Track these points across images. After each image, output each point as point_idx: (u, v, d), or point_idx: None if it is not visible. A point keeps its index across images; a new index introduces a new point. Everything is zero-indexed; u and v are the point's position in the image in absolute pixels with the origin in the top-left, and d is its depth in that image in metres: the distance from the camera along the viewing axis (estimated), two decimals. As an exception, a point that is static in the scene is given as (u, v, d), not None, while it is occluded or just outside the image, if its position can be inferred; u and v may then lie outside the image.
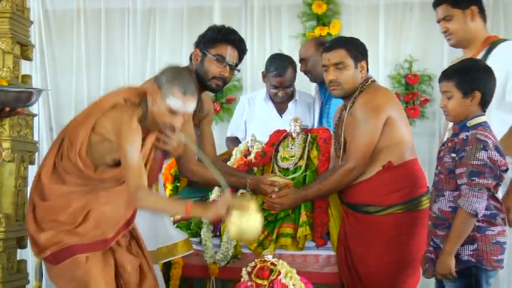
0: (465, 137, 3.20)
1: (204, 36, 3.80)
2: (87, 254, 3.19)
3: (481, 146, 3.14)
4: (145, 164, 3.25)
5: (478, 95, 3.25)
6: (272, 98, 4.99)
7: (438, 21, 3.89)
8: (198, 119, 3.93)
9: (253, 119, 5.05)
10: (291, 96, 4.99)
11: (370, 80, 3.73)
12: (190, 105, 3.22)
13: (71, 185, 3.26)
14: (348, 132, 3.68)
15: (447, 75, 3.30)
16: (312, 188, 3.73)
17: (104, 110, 3.25)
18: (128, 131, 3.15)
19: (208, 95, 4.03)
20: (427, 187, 3.74)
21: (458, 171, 3.19)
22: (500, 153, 3.18)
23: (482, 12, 3.87)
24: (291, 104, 4.99)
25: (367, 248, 3.63)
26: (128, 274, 3.31)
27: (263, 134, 4.41)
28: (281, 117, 4.98)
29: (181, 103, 3.17)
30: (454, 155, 3.22)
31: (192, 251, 3.80)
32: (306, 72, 4.82)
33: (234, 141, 5.05)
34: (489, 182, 3.13)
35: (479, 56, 3.75)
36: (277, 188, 3.73)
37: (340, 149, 3.76)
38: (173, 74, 3.21)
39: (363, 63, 3.70)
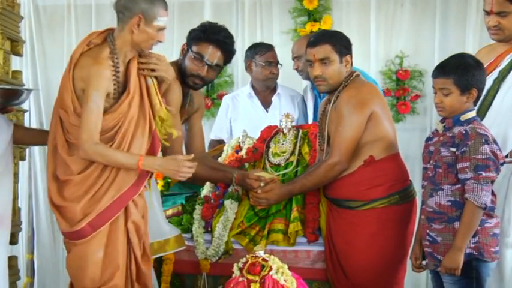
0: (464, 131, 3.23)
1: (192, 32, 3.81)
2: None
3: (483, 140, 3.18)
4: (142, 93, 3.35)
5: (475, 92, 3.29)
6: (258, 87, 5.01)
7: (488, 12, 3.81)
8: (188, 113, 3.93)
9: (238, 116, 5.06)
10: (273, 90, 5.02)
11: (354, 74, 3.74)
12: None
13: None
14: (331, 127, 3.69)
15: (445, 72, 3.31)
16: (297, 183, 3.74)
17: (74, 63, 3.31)
18: (95, 76, 3.24)
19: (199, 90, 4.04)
20: (410, 181, 3.77)
21: (460, 165, 3.22)
22: (499, 147, 3.22)
23: None
24: (274, 98, 5.02)
25: (350, 244, 3.65)
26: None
27: (250, 130, 4.43)
28: (267, 111, 4.99)
29: (166, 19, 3.35)
30: (454, 149, 3.24)
31: (184, 247, 3.80)
32: (298, 71, 4.81)
33: (217, 144, 5.06)
34: (493, 174, 3.20)
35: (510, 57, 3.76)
36: (263, 182, 3.73)
37: (324, 142, 3.76)
38: None
39: (348, 57, 3.70)
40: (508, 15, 3.75)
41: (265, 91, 5.03)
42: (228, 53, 3.82)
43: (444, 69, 3.33)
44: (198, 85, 3.81)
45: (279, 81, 5.16)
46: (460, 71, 3.28)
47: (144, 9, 3.28)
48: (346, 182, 3.67)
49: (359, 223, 3.65)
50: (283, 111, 4.49)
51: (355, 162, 3.66)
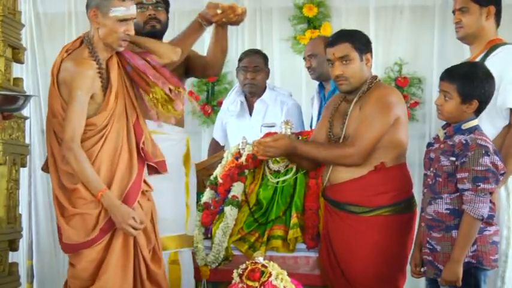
0: (464, 141, 3.21)
1: None
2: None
3: (483, 152, 3.16)
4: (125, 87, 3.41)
5: (475, 103, 3.26)
6: (243, 89, 5.05)
7: (454, 12, 3.83)
8: None
9: (229, 120, 5.14)
10: (259, 94, 5.03)
11: (377, 79, 3.72)
12: (133, 8, 3.35)
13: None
14: (351, 125, 3.63)
15: (451, 76, 3.29)
16: (305, 146, 3.69)
17: (57, 70, 3.36)
18: (78, 76, 3.28)
19: None
20: (412, 191, 3.75)
21: (459, 175, 3.20)
22: (499, 157, 3.21)
23: (498, 14, 3.82)
24: (257, 103, 5.01)
25: (353, 249, 3.61)
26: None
27: (236, 134, 4.60)
28: (250, 116, 5.02)
29: (124, 9, 3.32)
30: (453, 158, 3.22)
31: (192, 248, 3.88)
32: (310, 69, 4.79)
33: (215, 145, 5.18)
34: (492, 186, 3.17)
35: (480, 57, 3.73)
36: (220, 10, 3.64)
37: (333, 139, 3.72)
38: None
39: (368, 55, 3.66)
40: (467, 11, 3.75)
41: (253, 97, 5.05)
42: None
43: (451, 74, 3.32)
44: (156, 27, 3.82)
45: (277, 83, 5.20)
46: (465, 80, 3.25)
47: (97, 1, 3.32)
48: (354, 185, 3.63)
49: (362, 229, 3.61)
50: (267, 116, 4.53)
51: (365, 167, 3.61)
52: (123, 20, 3.33)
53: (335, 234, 3.69)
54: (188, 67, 3.93)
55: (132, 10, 3.35)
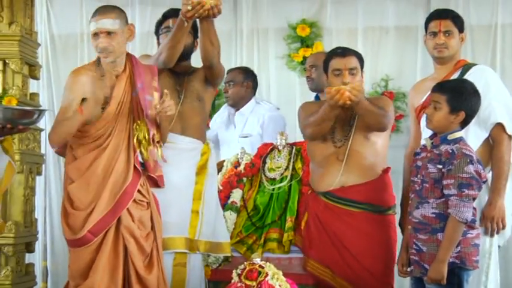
0: (450, 150, 3.27)
1: (156, 25, 4.01)
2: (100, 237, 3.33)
3: (468, 160, 3.22)
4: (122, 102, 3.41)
5: (462, 114, 3.33)
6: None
7: (435, 33, 3.83)
8: (191, 84, 3.97)
9: (221, 130, 5.05)
10: (237, 106, 4.96)
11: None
12: (101, 22, 3.36)
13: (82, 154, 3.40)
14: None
15: (442, 88, 3.37)
16: (365, 100, 3.61)
17: None
18: (69, 81, 3.41)
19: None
20: None
21: (445, 182, 3.26)
22: (482, 166, 3.27)
23: None
24: (236, 116, 4.95)
25: (374, 245, 3.65)
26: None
27: (223, 143, 4.66)
28: (234, 127, 4.97)
29: (94, 23, 3.37)
30: (440, 166, 3.28)
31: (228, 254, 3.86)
32: (308, 79, 4.68)
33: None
34: (476, 192, 3.24)
35: (456, 76, 3.78)
36: (190, 6, 3.53)
37: (340, 139, 3.75)
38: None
39: (363, 73, 3.77)
40: (452, 35, 3.81)
41: (237, 109, 4.96)
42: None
43: (442, 86, 3.41)
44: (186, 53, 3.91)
45: (274, 100, 5.18)
46: (455, 92, 3.32)
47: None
48: (372, 186, 3.69)
49: (384, 226, 3.69)
50: (246, 128, 4.54)
51: (376, 170, 3.72)
52: (95, 34, 3.38)
53: (345, 232, 3.68)
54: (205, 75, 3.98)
55: (100, 24, 3.36)
